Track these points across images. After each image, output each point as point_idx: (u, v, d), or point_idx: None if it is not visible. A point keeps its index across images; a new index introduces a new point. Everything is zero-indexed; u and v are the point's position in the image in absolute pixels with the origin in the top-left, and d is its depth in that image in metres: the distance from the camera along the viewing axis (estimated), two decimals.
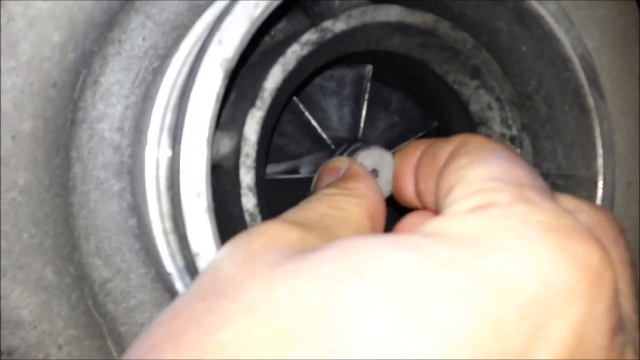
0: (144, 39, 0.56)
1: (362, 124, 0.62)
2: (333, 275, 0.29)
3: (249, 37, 0.43)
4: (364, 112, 0.62)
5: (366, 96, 0.62)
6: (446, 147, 0.43)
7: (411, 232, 0.51)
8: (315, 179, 0.54)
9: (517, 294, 0.28)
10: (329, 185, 0.47)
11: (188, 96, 0.42)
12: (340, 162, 0.52)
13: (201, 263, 0.42)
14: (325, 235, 0.39)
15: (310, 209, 0.42)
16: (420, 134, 0.66)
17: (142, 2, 0.56)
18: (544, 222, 0.31)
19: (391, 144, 0.65)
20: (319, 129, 0.59)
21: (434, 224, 0.33)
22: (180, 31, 0.57)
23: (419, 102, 0.66)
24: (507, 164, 0.37)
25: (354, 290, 0.28)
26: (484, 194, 0.34)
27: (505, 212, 0.32)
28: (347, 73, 0.64)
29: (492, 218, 0.32)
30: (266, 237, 0.36)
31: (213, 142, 0.47)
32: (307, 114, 0.59)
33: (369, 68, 0.62)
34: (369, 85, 0.62)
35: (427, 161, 0.46)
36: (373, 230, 0.44)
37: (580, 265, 0.30)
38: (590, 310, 0.30)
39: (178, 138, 0.42)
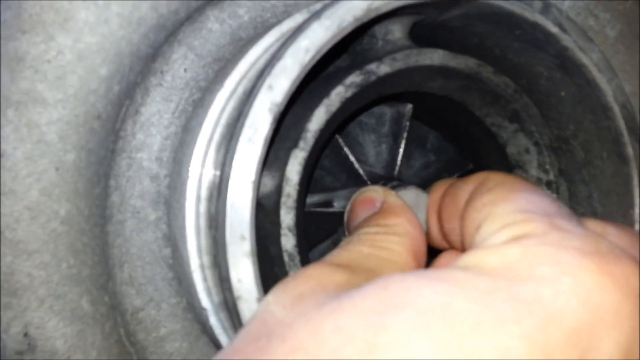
0: (185, 70, 0.57)
1: (398, 162, 0.62)
2: (376, 310, 0.30)
3: (298, 82, 0.43)
4: (401, 150, 0.62)
5: (405, 135, 0.62)
6: (466, 187, 0.44)
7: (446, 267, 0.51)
8: (347, 208, 0.54)
9: (562, 320, 0.29)
10: (368, 223, 0.47)
11: (237, 139, 0.42)
12: (375, 193, 0.52)
13: (243, 306, 0.42)
14: (371, 276, 0.39)
15: (353, 250, 0.42)
16: (455, 175, 0.66)
17: (185, 34, 0.56)
18: (580, 248, 0.31)
19: (426, 182, 0.65)
20: (356, 165, 0.59)
21: (469, 257, 0.34)
22: (221, 64, 0.58)
23: (455, 143, 0.66)
24: (531, 196, 0.38)
25: (398, 323, 0.29)
26: (516, 226, 0.35)
27: (540, 241, 0.32)
28: (386, 110, 0.64)
29: (527, 248, 0.32)
30: (313, 279, 0.37)
31: None
32: (345, 149, 0.59)
33: (409, 107, 0.63)
34: (408, 124, 0.62)
35: (448, 202, 0.46)
36: (417, 267, 0.44)
37: (621, 287, 0.30)
38: (635, 330, 0.30)
39: (225, 180, 0.42)
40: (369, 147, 0.64)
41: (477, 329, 0.28)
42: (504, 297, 0.29)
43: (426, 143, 0.67)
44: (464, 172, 0.65)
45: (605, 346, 0.29)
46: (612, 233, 0.39)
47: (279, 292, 0.36)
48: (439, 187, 0.50)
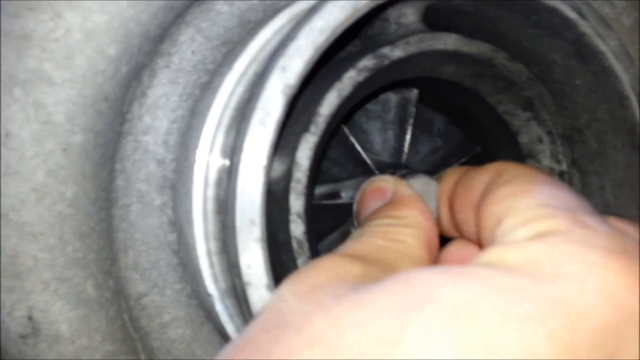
0: (193, 52, 0.56)
1: (406, 149, 0.61)
2: (398, 307, 0.29)
3: (312, 64, 0.42)
4: (408, 137, 0.61)
5: (411, 121, 0.61)
6: (480, 177, 0.43)
7: (459, 262, 0.50)
8: (357, 198, 0.53)
9: (588, 320, 0.28)
10: (379, 214, 0.47)
11: (248, 121, 0.41)
12: (385, 183, 0.51)
13: (252, 292, 0.42)
14: (386, 268, 0.39)
15: (366, 242, 0.42)
16: (463, 160, 0.65)
17: (193, 15, 0.55)
18: (606, 247, 0.31)
19: (434, 168, 0.64)
20: (363, 154, 0.58)
21: (491, 254, 0.33)
22: (229, 47, 0.56)
23: (463, 128, 0.65)
24: (551, 189, 0.37)
25: (420, 320, 0.28)
26: (539, 221, 0.34)
27: (566, 239, 0.32)
28: (391, 97, 0.63)
29: (552, 245, 0.32)
30: (329, 270, 0.36)
31: None
32: (351, 138, 0.58)
33: (415, 92, 0.62)
34: (414, 110, 0.62)
35: (462, 192, 0.45)
36: (430, 259, 0.44)
37: None
38: None
39: (235, 164, 0.42)
40: (375, 134, 0.63)
41: (502, 327, 0.27)
42: (529, 295, 0.29)
43: (433, 127, 0.66)
44: (472, 156, 0.64)
45: (632, 347, 0.29)
46: (632, 232, 0.38)
47: (293, 282, 0.35)
48: (451, 176, 0.49)
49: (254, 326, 0.33)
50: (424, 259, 0.43)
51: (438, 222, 0.52)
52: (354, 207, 0.54)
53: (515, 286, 0.29)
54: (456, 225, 0.48)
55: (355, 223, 0.53)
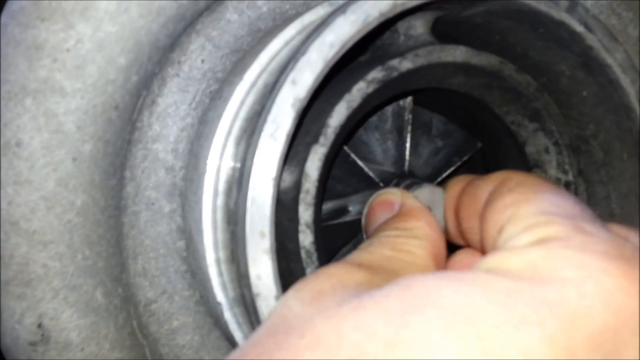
0: (202, 61, 0.56)
1: (407, 156, 0.62)
2: (398, 309, 0.30)
3: (321, 77, 0.43)
4: (408, 144, 0.61)
5: (409, 128, 0.62)
6: (485, 186, 0.43)
7: (466, 269, 0.51)
8: (365, 211, 0.54)
9: (585, 323, 0.28)
10: (388, 226, 0.47)
11: (258, 134, 0.42)
12: (392, 196, 0.52)
13: (261, 303, 0.42)
14: (391, 277, 0.39)
15: (374, 252, 0.42)
16: (465, 157, 0.65)
17: (203, 24, 0.56)
18: (604, 252, 0.31)
19: (437, 170, 0.65)
20: (366, 169, 0.58)
21: (492, 259, 0.33)
22: (239, 55, 0.57)
23: (463, 126, 0.65)
24: (553, 197, 0.38)
25: (420, 321, 0.29)
26: (539, 228, 0.34)
27: (564, 244, 0.32)
28: (386, 106, 0.63)
29: (551, 250, 0.32)
30: (334, 277, 0.37)
31: None
32: (352, 155, 0.58)
33: (409, 100, 0.62)
34: (410, 116, 0.62)
35: (467, 200, 0.46)
36: (437, 270, 0.44)
37: None
38: None
39: (246, 175, 0.42)
40: (375, 145, 0.63)
41: (499, 330, 0.28)
42: (526, 298, 0.29)
43: (431, 129, 0.66)
44: (474, 153, 0.65)
45: (629, 351, 0.29)
46: (634, 238, 0.39)
47: (299, 289, 0.36)
48: (457, 184, 0.49)
49: (260, 331, 0.34)
50: (430, 269, 0.43)
51: (445, 230, 0.52)
52: (363, 221, 0.54)
53: (514, 290, 0.30)
54: (462, 233, 0.48)
55: (364, 236, 0.53)
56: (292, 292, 0.36)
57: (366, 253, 0.42)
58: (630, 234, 0.39)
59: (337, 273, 0.37)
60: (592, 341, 0.28)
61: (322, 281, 0.36)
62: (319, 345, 0.29)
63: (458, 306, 0.29)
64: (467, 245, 0.51)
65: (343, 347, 0.29)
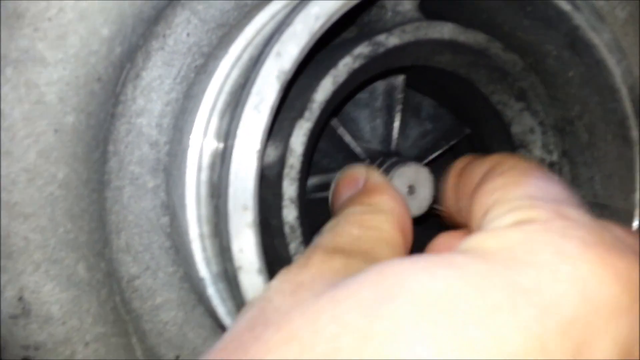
0: (188, 34, 0.55)
1: (395, 136, 0.61)
2: (372, 299, 0.29)
3: (307, 50, 0.42)
4: (397, 123, 0.61)
5: (399, 107, 0.62)
6: (480, 167, 0.44)
7: (446, 251, 0.51)
8: (332, 188, 0.54)
9: (558, 310, 0.28)
10: (352, 202, 0.47)
11: (242, 106, 0.41)
12: (357, 172, 0.51)
13: (243, 277, 0.42)
14: (366, 258, 0.39)
15: (343, 233, 0.42)
16: (452, 142, 0.65)
17: None
18: (582, 238, 0.31)
19: (425, 152, 0.65)
20: (353, 144, 0.58)
21: (471, 240, 0.33)
22: (225, 30, 0.56)
23: (455, 114, 0.65)
24: (542, 182, 0.38)
25: (393, 312, 0.28)
26: (522, 210, 0.34)
27: (543, 228, 0.32)
28: (378, 84, 0.63)
29: (529, 233, 0.32)
30: (313, 268, 0.37)
31: None
32: (340, 128, 0.58)
33: (401, 78, 0.61)
34: (401, 96, 0.62)
35: (464, 179, 0.46)
36: (405, 244, 0.44)
37: (622, 280, 0.30)
38: (635, 326, 0.30)
39: (229, 148, 0.42)
40: (364, 122, 0.63)
41: (472, 317, 0.28)
42: (501, 283, 0.29)
43: (421, 111, 0.66)
44: (462, 138, 0.65)
45: (602, 341, 0.29)
46: (617, 230, 0.39)
47: (281, 280, 0.36)
48: (459, 163, 0.50)
49: (239, 324, 0.34)
50: (399, 243, 0.43)
51: (445, 208, 0.52)
52: (330, 197, 0.54)
53: (488, 273, 0.29)
54: (459, 211, 0.48)
55: (331, 212, 0.53)
56: (274, 282, 0.36)
57: (336, 235, 0.42)
58: (614, 227, 0.39)
59: (316, 263, 0.37)
60: (564, 330, 0.28)
61: (302, 272, 0.36)
62: (294, 339, 0.29)
63: (430, 293, 0.29)
64: (464, 224, 0.51)
65: (318, 342, 0.29)
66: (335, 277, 0.35)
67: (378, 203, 0.45)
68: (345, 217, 0.44)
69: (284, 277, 0.36)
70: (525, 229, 0.32)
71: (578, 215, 0.33)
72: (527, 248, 0.31)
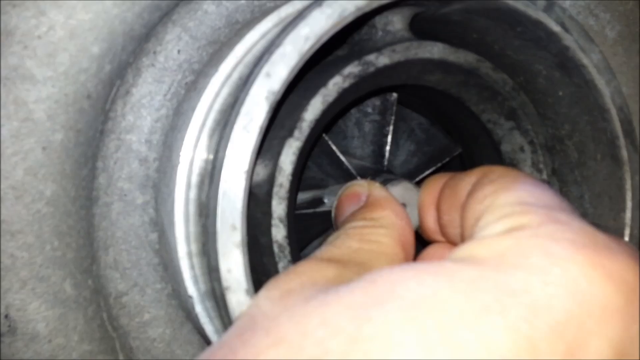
0: (179, 51, 0.55)
1: (387, 153, 0.62)
2: (362, 303, 0.30)
3: (296, 71, 0.42)
4: (389, 140, 0.61)
5: (391, 125, 0.62)
6: (468, 179, 0.44)
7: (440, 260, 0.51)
8: (334, 204, 0.54)
9: (548, 311, 0.28)
10: (354, 217, 0.47)
11: (231, 126, 0.41)
12: (360, 187, 0.52)
13: (231, 297, 0.42)
14: (361, 270, 0.39)
15: (342, 245, 0.42)
16: (445, 160, 0.65)
17: (180, 14, 0.55)
18: (572, 240, 0.31)
19: (416, 170, 0.65)
20: (345, 162, 0.58)
21: (463, 249, 0.33)
22: (215, 47, 0.56)
23: (447, 132, 0.66)
24: (533, 188, 0.38)
25: (383, 315, 0.28)
26: (513, 217, 0.34)
27: (534, 233, 0.32)
28: (370, 101, 0.63)
29: (520, 238, 0.32)
30: (304, 275, 0.37)
31: None
32: (333, 146, 0.58)
33: (394, 97, 0.62)
34: (393, 117, 0.62)
35: (449, 194, 0.46)
36: (406, 258, 0.44)
37: (613, 281, 0.29)
38: (628, 327, 0.29)
39: (218, 168, 0.41)
40: (356, 139, 0.63)
41: (461, 320, 0.28)
42: (490, 286, 0.29)
43: (413, 129, 0.66)
44: (453, 157, 0.65)
45: (596, 342, 0.28)
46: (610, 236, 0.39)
47: (269, 288, 0.36)
48: (437, 180, 0.50)
49: (230, 331, 0.34)
50: (399, 257, 0.43)
51: (422, 226, 0.52)
52: (332, 213, 0.54)
53: (478, 278, 0.29)
54: (442, 227, 0.48)
55: (334, 228, 0.53)
56: (263, 291, 0.36)
57: (334, 247, 0.42)
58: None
59: (307, 271, 0.37)
60: (555, 330, 0.28)
61: (292, 279, 0.36)
62: (283, 343, 0.29)
63: (421, 297, 0.29)
64: (446, 241, 0.51)
65: (307, 345, 0.29)
66: (326, 284, 0.35)
67: (380, 218, 0.46)
68: (345, 231, 0.44)
69: (273, 284, 0.36)
70: (517, 235, 0.32)
71: (569, 219, 0.33)
72: (517, 253, 0.31)
